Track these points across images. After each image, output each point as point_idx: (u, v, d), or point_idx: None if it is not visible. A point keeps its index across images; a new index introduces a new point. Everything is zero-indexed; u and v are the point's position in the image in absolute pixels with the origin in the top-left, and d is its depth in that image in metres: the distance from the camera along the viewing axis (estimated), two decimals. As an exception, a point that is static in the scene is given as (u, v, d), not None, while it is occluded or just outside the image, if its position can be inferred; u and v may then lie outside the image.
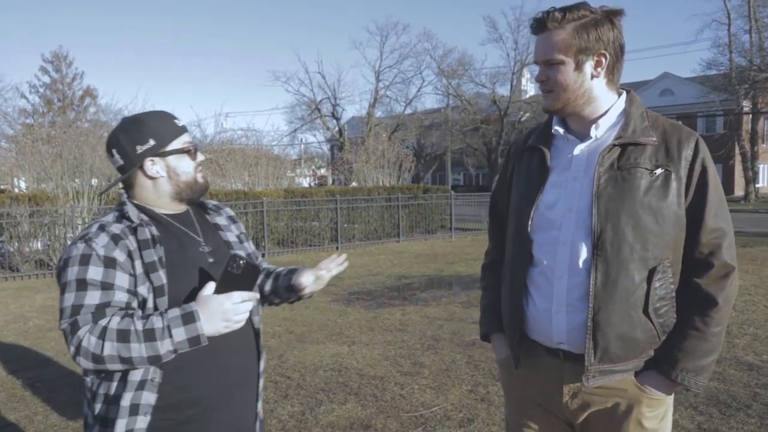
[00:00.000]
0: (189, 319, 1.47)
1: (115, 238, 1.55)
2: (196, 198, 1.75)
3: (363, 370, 4.90)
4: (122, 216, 1.62)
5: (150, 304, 1.54)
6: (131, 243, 1.56)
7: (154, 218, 1.67)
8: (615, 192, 1.58)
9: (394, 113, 41.49)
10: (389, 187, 16.21)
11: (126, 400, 1.52)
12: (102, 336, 1.44)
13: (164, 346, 1.46)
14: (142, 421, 1.53)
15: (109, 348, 1.44)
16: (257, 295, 1.56)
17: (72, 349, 1.47)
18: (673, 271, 1.61)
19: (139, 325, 1.46)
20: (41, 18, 73.67)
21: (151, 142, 1.64)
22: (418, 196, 15.90)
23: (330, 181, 34.21)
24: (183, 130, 1.71)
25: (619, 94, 1.70)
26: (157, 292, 1.54)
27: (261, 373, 1.80)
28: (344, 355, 5.32)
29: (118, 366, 1.47)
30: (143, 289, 1.54)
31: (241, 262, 1.53)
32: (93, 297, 1.49)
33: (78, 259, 1.51)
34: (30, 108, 35.30)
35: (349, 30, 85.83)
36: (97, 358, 1.45)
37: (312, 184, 36.51)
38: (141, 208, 1.67)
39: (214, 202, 1.91)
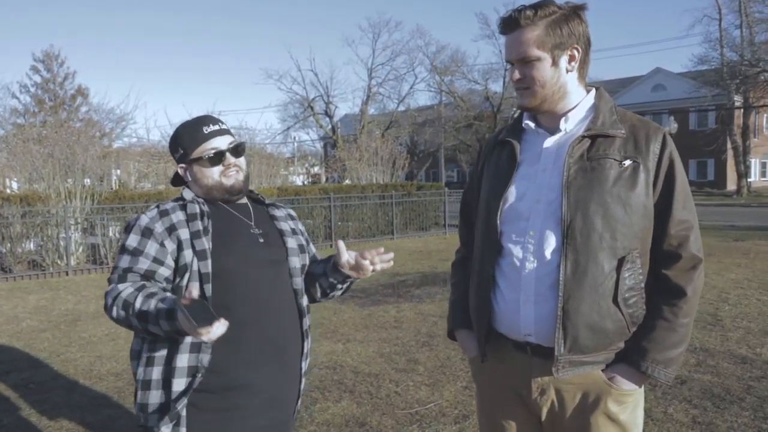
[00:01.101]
0: (171, 316, 1.54)
1: (163, 213, 1.76)
2: (229, 197, 1.85)
3: (358, 367, 4.89)
4: (179, 198, 1.82)
5: (195, 267, 1.69)
6: (177, 216, 1.75)
7: (210, 202, 1.83)
8: (584, 182, 1.59)
9: (387, 110, 41.52)
10: (383, 185, 16.20)
11: (182, 361, 1.66)
12: (114, 299, 1.64)
13: (157, 329, 1.57)
14: (197, 382, 1.65)
15: (115, 311, 1.63)
16: (204, 337, 1.45)
17: (104, 302, 1.69)
18: (642, 262, 1.62)
19: (139, 302, 1.59)
20: (32, 17, 73.19)
21: (180, 151, 1.84)
22: (412, 194, 15.89)
23: (324, 179, 34.14)
24: (209, 136, 1.81)
25: (588, 91, 1.72)
26: (199, 255, 1.69)
27: (306, 353, 1.92)
28: (339, 353, 5.31)
29: (126, 328, 1.66)
30: (188, 254, 1.69)
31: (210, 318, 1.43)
32: (125, 261, 1.71)
33: (130, 228, 1.76)
34: (21, 108, 35.07)
35: (342, 27, 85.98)
36: (112, 318, 1.66)
37: (305, 182, 36.43)
38: (202, 196, 1.84)
39: (277, 204, 2.05)
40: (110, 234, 11.33)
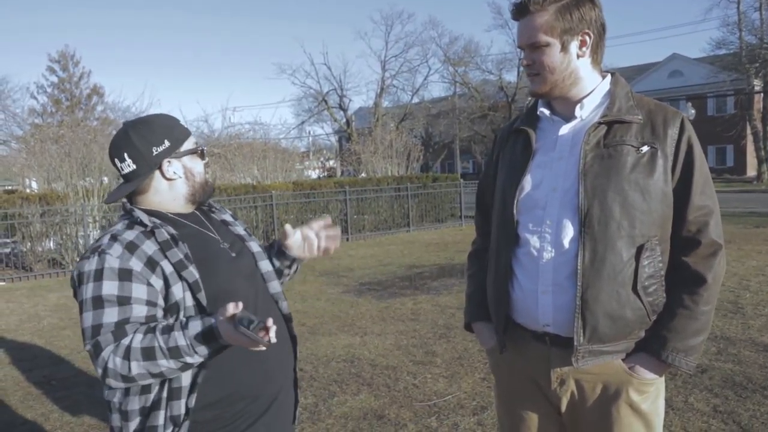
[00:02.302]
0: (209, 337, 1.41)
1: (130, 247, 1.49)
2: (206, 199, 1.74)
3: (375, 360, 4.90)
4: (133, 222, 1.56)
5: (189, 302, 1.51)
6: (150, 247, 1.50)
7: (167, 220, 1.61)
8: (601, 169, 1.57)
9: (401, 103, 41.44)
10: (398, 177, 16.16)
11: (181, 409, 1.49)
12: (127, 356, 1.39)
13: (194, 359, 1.42)
14: (185, 427, 1.50)
15: (137, 367, 1.39)
16: (263, 348, 1.41)
17: (99, 371, 1.42)
18: (662, 250, 1.60)
19: (161, 341, 1.40)
20: (46, 18, 73.96)
21: (167, 143, 1.61)
22: (427, 185, 15.85)
23: (339, 173, 34.19)
24: (189, 131, 1.71)
25: (603, 77, 1.69)
26: (193, 288, 1.51)
27: (296, 357, 1.82)
28: (356, 346, 5.32)
29: (150, 380, 1.44)
30: (177, 289, 1.50)
31: (253, 321, 1.41)
32: (111, 315, 1.43)
33: (92, 274, 1.45)
34: (39, 108, 35.59)
35: (354, 20, 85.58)
36: (127, 378, 1.41)
37: (321, 176, 36.53)
38: (150, 212, 1.61)
39: (215, 206, 1.88)
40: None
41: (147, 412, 1.50)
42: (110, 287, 1.44)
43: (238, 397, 1.58)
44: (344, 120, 39.54)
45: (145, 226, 1.54)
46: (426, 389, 4.20)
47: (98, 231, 11.41)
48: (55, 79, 36.26)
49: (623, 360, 1.62)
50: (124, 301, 1.44)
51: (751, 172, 34.71)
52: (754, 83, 31.78)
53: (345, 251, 11.66)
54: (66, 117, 27.71)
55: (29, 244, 10.82)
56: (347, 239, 13.79)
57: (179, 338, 1.40)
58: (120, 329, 1.42)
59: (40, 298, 8.53)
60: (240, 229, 1.81)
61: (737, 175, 35.12)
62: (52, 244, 11.16)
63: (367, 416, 3.79)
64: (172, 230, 1.56)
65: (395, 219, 15.00)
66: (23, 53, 67.13)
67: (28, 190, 15.66)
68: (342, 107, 39.41)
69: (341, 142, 44.12)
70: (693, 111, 30.29)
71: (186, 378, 1.49)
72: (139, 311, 1.45)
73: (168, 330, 1.42)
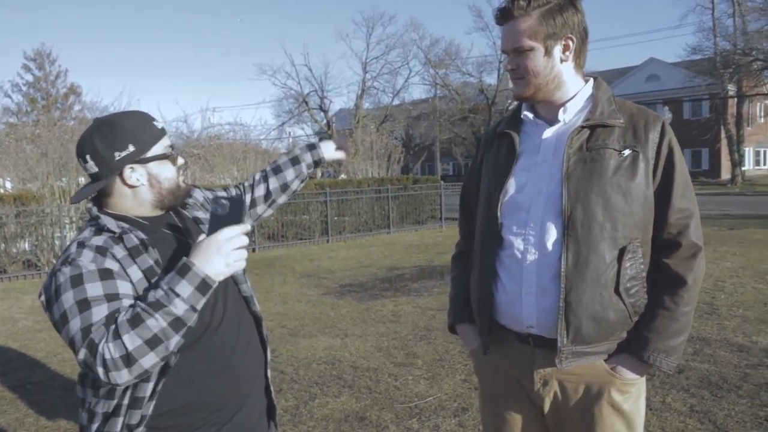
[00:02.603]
0: (184, 270, 1.37)
1: (101, 251, 1.43)
2: (178, 204, 1.65)
3: (356, 362, 4.89)
4: (100, 229, 1.50)
5: None
6: (119, 252, 1.45)
7: (136, 224, 1.55)
8: (584, 172, 1.59)
9: (381, 104, 41.46)
10: (379, 179, 16.16)
11: (119, 424, 1.46)
12: (117, 335, 1.31)
13: (179, 307, 1.35)
14: None
15: (129, 340, 1.31)
16: (248, 227, 1.46)
17: (100, 370, 1.31)
18: (643, 252, 1.62)
19: (142, 306, 1.35)
20: (22, 15, 72.72)
21: (131, 148, 1.50)
22: (408, 187, 15.87)
23: (319, 174, 34.11)
24: (163, 132, 1.58)
25: (586, 81, 1.72)
26: None
27: (268, 362, 1.76)
28: (337, 348, 5.31)
29: (151, 355, 1.33)
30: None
31: (225, 202, 1.45)
32: (100, 311, 1.35)
33: (69, 282, 1.37)
34: (14, 107, 34.93)
35: (335, 22, 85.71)
36: (126, 359, 1.31)
37: (301, 178, 36.18)
38: (117, 217, 1.54)
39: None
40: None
41: (108, 417, 1.47)
42: (94, 288, 1.37)
43: (200, 405, 1.53)
44: (325, 121, 39.40)
45: (113, 232, 1.48)
46: (407, 391, 4.20)
47: (75, 232, 11.25)
48: (30, 77, 35.64)
49: (605, 361, 1.65)
50: (112, 297, 1.38)
51: (726, 175, 35.34)
52: (729, 88, 32.37)
53: (325, 253, 11.64)
54: (42, 116, 27.24)
55: (3, 245, 10.61)
56: (327, 241, 13.76)
57: (156, 291, 1.36)
58: (110, 319, 1.35)
59: (15, 300, 8.38)
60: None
61: (712, 178, 35.73)
62: (27, 246, 10.97)
63: (348, 418, 3.79)
64: (142, 235, 1.50)
65: (376, 220, 15.00)
66: (-3, 51, 65.89)
67: (2, 190, 15.38)
68: (323, 108, 39.28)
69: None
70: (670, 114, 30.75)
71: (147, 388, 1.45)
72: (127, 301, 1.40)
73: (145, 295, 1.39)
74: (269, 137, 36.84)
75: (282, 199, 2.05)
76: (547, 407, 1.70)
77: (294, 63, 44.94)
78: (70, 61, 72.13)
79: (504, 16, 1.63)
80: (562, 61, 1.64)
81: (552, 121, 1.70)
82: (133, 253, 1.45)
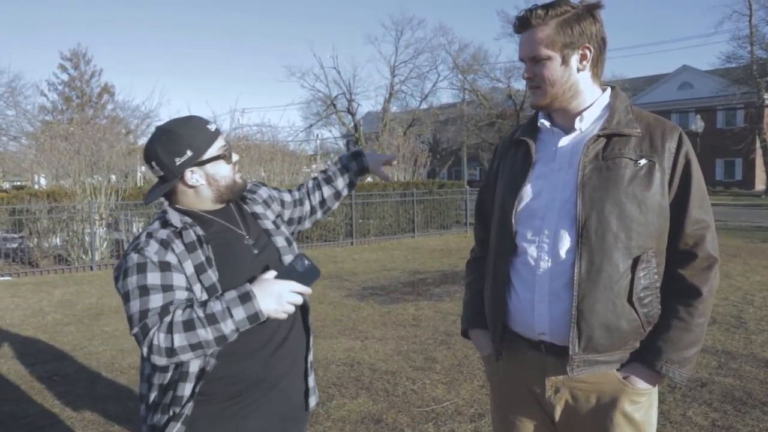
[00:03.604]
0: (246, 298, 1.55)
1: (164, 243, 1.63)
2: (236, 197, 1.81)
3: (375, 364, 4.91)
4: (165, 222, 1.69)
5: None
6: (178, 246, 1.63)
7: (198, 218, 1.73)
8: (599, 181, 1.59)
9: (409, 108, 41.44)
10: (404, 183, 16.16)
11: (186, 390, 1.62)
12: (170, 330, 1.52)
13: (227, 327, 1.54)
14: (189, 408, 1.63)
15: (179, 339, 1.52)
16: (310, 290, 1.65)
17: (145, 349, 1.55)
18: (657, 262, 1.61)
19: (200, 312, 1.54)
20: (59, 15, 74.51)
21: (189, 153, 1.68)
22: (433, 192, 15.85)
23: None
24: (216, 134, 1.74)
25: (604, 90, 1.72)
26: (210, 291, 1.62)
27: (310, 348, 1.89)
28: (357, 350, 5.34)
29: (190, 354, 1.55)
30: (197, 289, 1.62)
31: (306, 262, 1.63)
32: (156, 300, 1.56)
33: (135, 268, 1.59)
34: (49, 105, 35.80)
35: (364, 25, 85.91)
36: (170, 351, 1.53)
37: (327, 180, 36.37)
38: (183, 212, 1.73)
39: (250, 185, 1.97)
40: (134, 230, 11.52)
41: (163, 388, 1.66)
42: (154, 278, 1.58)
43: (241, 378, 1.68)
44: (352, 124, 39.58)
45: (175, 227, 1.66)
46: (424, 395, 4.21)
47: (104, 229, 11.49)
48: (66, 77, 36.53)
49: (617, 370, 1.64)
50: (167, 288, 1.58)
51: (760, 186, 34.57)
52: (765, 97, 31.66)
53: (349, 255, 11.69)
54: (76, 115, 27.88)
55: (36, 240, 10.89)
56: (351, 243, 13.80)
57: (215, 305, 1.55)
58: (165, 311, 1.56)
59: (45, 293, 8.58)
60: (268, 223, 1.88)
61: (745, 189, 34.98)
62: (58, 241, 11.23)
63: (364, 420, 3.81)
64: (200, 231, 1.68)
65: (400, 224, 15.01)
66: (36, 50, 67.73)
67: (36, 187, 15.77)
68: (350, 111, 39.46)
69: (349, 146, 44.18)
70: (702, 123, 30.22)
71: (197, 365, 1.62)
72: (181, 295, 1.59)
73: (204, 303, 1.57)
74: (297, 139, 37.13)
75: (335, 206, 2.23)
76: (558, 415, 1.70)
77: (323, 65, 45.15)
78: (105, 60, 73.67)
79: (522, 24, 1.65)
80: (579, 70, 1.64)
81: (568, 129, 1.71)
82: (189, 249, 1.64)
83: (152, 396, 1.68)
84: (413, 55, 40.14)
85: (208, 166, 1.72)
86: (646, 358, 1.62)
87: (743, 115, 34.77)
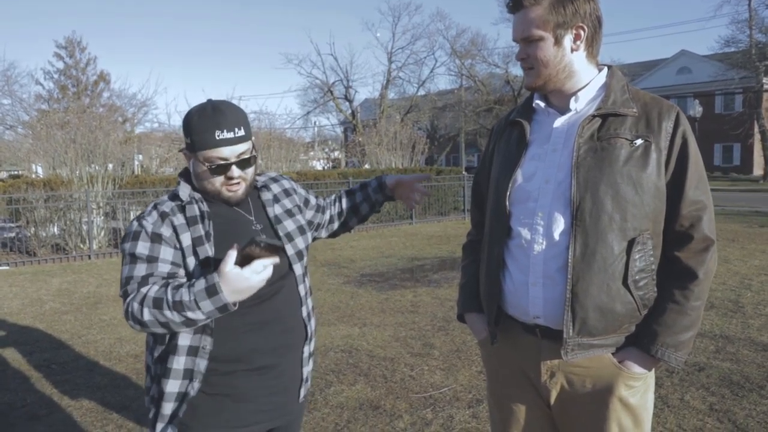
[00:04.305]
0: (212, 291, 1.54)
1: (163, 215, 1.69)
2: (227, 203, 1.76)
3: (373, 351, 4.91)
4: (175, 195, 1.74)
5: (198, 275, 1.64)
6: (178, 219, 1.69)
7: (209, 196, 1.75)
8: (594, 162, 1.56)
9: (407, 95, 41.29)
10: (402, 169, 16.15)
11: (178, 363, 1.68)
12: (141, 302, 1.58)
13: (197, 315, 1.56)
14: (191, 387, 1.68)
15: (147, 313, 1.57)
16: (277, 259, 1.60)
17: (124, 312, 1.63)
18: (653, 244, 1.59)
19: (170, 295, 1.56)
20: (54, 3, 73.86)
21: (188, 140, 1.71)
22: (431, 178, 15.80)
23: (343, 164, 34.17)
24: (219, 143, 1.66)
25: (600, 70, 1.69)
26: (203, 264, 1.66)
27: (310, 337, 1.88)
28: (355, 337, 5.34)
29: (160, 329, 1.60)
30: (192, 261, 1.67)
31: (262, 243, 1.55)
32: (140, 269, 1.64)
33: (132, 235, 1.68)
34: (45, 94, 35.56)
35: (361, 11, 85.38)
36: (140, 322, 1.59)
37: (325, 167, 36.55)
38: (196, 188, 1.76)
39: (269, 176, 1.97)
40: (131, 218, 11.48)
41: (162, 358, 1.71)
42: (143, 247, 1.66)
43: (236, 357, 1.71)
44: (350, 111, 39.44)
45: (182, 201, 1.72)
46: (422, 381, 4.21)
47: (102, 217, 11.47)
48: (61, 65, 36.24)
49: (613, 354, 1.63)
50: (152, 259, 1.65)
51: (758, 171, 34.57)
52: (764, 81, 31.56)
53: (347, 242, 11.68)
54: (72, 103, 27.72)
55: (33, 229, 10.86)
56: (350, 230, 13.77)
57: (185, 294, 1.56)
58: (145, 281, 1.63)
59: (43, 282, 8.57)
60: (278, 209, 1.88)
61: (744, 174, 34.99)
62: (55, 230, 11.20)
63: (362, 406, 3.81)
64: (205, 207, 1.72)
65: (398, 211, 15.00)
66: (31, 39, 67.18)
67: (33, 176, 15.69)
68: (348, 98, 39.30)
69: (346, 133, 44.05)
70: (700, 108, 30.12)
71: (185, 339, 1.67)
72: (163, 268, 1.65)
73: (178, 287, 1.58)
74: (294, 126, 36.99)
75: (353, 223, 2.24)
76: (553, 399, 1.69)
77: (320, 52, 45.18)
78: (100, 49, 73.17)
79: (515, 5, 1.62)
80: (572, 50, 1.62)
81: (563, 109, 1.68)
82: (190, 222, 1.69)
83: (153, 368, 1.75)
84: (410, 41, 40.33)
85: (198, 163, 1.71)
86: (642, 342, 1.60)
87: (742, 100, 34.69)
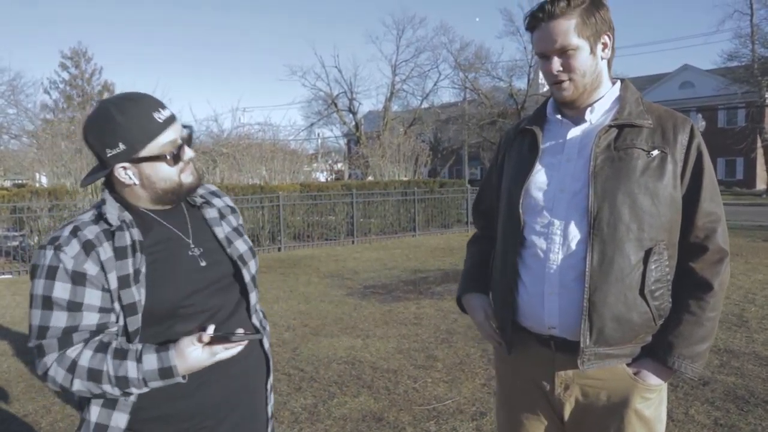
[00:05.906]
0: (167, 374, 1.36)
1: (87, 246, 1.37)
2: (182, 199, 1.55)
3: (376, 363, 4.90)
4: (100, 216, 1.43)
5: (121, 321, 1.39)
6: (105, 251, 1.38)
7: (139, 216, 1.47)
8: (611, 172, 1.57)
9: (410, 107, 41.40)
10: (405, 181, 16.17)
11: (93, 415, 1.42)
12: (71, 371, 1.33)
13: (141, 391, 1.38)
14: None
15: (79, 384, 1.34)
16: (242, 346, 1.43)
17: (39, 372, 1.36)
18: (669, 255, 1.60)
19: (111, 367, 1.33)
20: (60, 13, 74.50)
21: (121, 147, 1.39)
22: (434, 190, 15.84)
23: (347, 176, 34.24)
24: (165, 126, 1.43)
25: (614, 83, 1.70)
26: (126, 310, 1.38)
27: (270, 374, 1.69)
28: (358, 349, 5.33)
29: (88, 396, 1.39)
30: (117, 306, 1.39)
31: (242, 334, 1.41)
32: (58, 319, 1.34)
33: (45, 270, 1.35)
34: (51, 104, 35.77)
35: (365, 24, 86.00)
36: (65, 390, 1.36)
37: (329, 179, 36.64)
38: (125, 205, 1.47)
39: (209, 190, 1.69)
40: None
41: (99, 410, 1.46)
42: (62, 290, 1.34)
43: (192, 414, 1.48)
44: (353, 123, 39.54)
45: (110, 225, 1.41)
46: (426, 393, 4.19)
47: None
48: (67, 75, 36.47)
49: (628, 365, 1.63)
50: (74, 307, 1.35)
51: (761, 185, 34.54)
52: (766, 96, 31.61)
53: (350, 254, 11.68)
54: (77, 113, 27.87)
55: (37, 238, 10.89)
56: (353, 242, 13.80)
57: (131, 369, 1.34)
58: (66, 337, 1.35)
59: (46, 292, 8.56)
60: (226, 229, 1.62)
61: (746, 188, 34.93)
62: (59, 239, 11.21)
63: (366, 418, 3.80)
64: (138, 236, 1.43)
65: (401, 223, 15.00)
66: (37, 49, 67.78)
67: (37, 185, 15.75)
68: (351, 110, 39.42)
69: (350, 145, 44.16)
70: (703, 122, 30.13)
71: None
72: (90, 319, 1.36)
73: (121, 355, 1.35)
74: (298, 138, 37.07)
75: None
76: (567, 413, 1.68)
77: (324, 64, 45.14)
78: (105, 59, 73.69)
79: (544, 17, 1.59)
80: (602, 58, 1.64)
81: (578, 120, 1.69)
82: (118, 255, 1.39)
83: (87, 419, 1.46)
84: (414, 54, 40.22)
85: (145, 165, 1.43)
86: (657, 353, 1.60)
87: (744, 114, 34.70)
